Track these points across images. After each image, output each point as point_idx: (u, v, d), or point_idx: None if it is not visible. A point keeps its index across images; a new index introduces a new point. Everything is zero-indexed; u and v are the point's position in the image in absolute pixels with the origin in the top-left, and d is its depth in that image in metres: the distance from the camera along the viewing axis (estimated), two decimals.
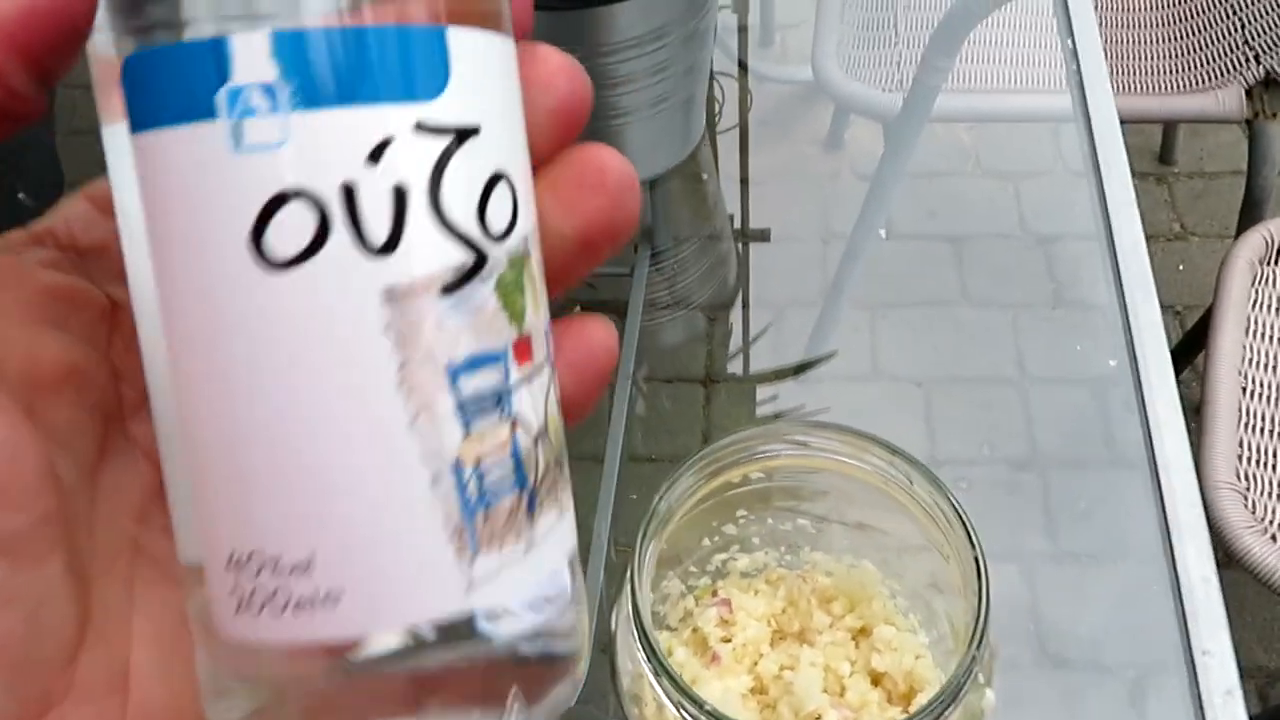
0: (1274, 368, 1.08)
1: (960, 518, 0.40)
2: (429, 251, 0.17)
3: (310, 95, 0.16)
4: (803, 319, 0.71)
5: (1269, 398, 1.06)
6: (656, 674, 0.37)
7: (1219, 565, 0.57)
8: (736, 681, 0.44)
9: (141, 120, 0.17)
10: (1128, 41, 1.38)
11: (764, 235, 0.72)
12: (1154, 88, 1.32)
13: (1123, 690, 0.55)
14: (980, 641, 0.37)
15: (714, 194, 0.75)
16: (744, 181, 0.74)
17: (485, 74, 0.19)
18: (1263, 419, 1.05)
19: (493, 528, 0.18)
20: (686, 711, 0.37)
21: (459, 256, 0.18)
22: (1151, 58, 1.36)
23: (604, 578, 0.57)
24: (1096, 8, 1.41)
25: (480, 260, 0.18)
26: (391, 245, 0.17)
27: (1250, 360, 1.08)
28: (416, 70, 0.17)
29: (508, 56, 0.20)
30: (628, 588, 0.39)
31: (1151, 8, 1.42)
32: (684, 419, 0.69)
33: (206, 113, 0.16)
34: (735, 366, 0.69)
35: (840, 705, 0.42)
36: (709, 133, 0.76)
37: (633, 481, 0.62)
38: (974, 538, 0.39)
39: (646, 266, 0.72)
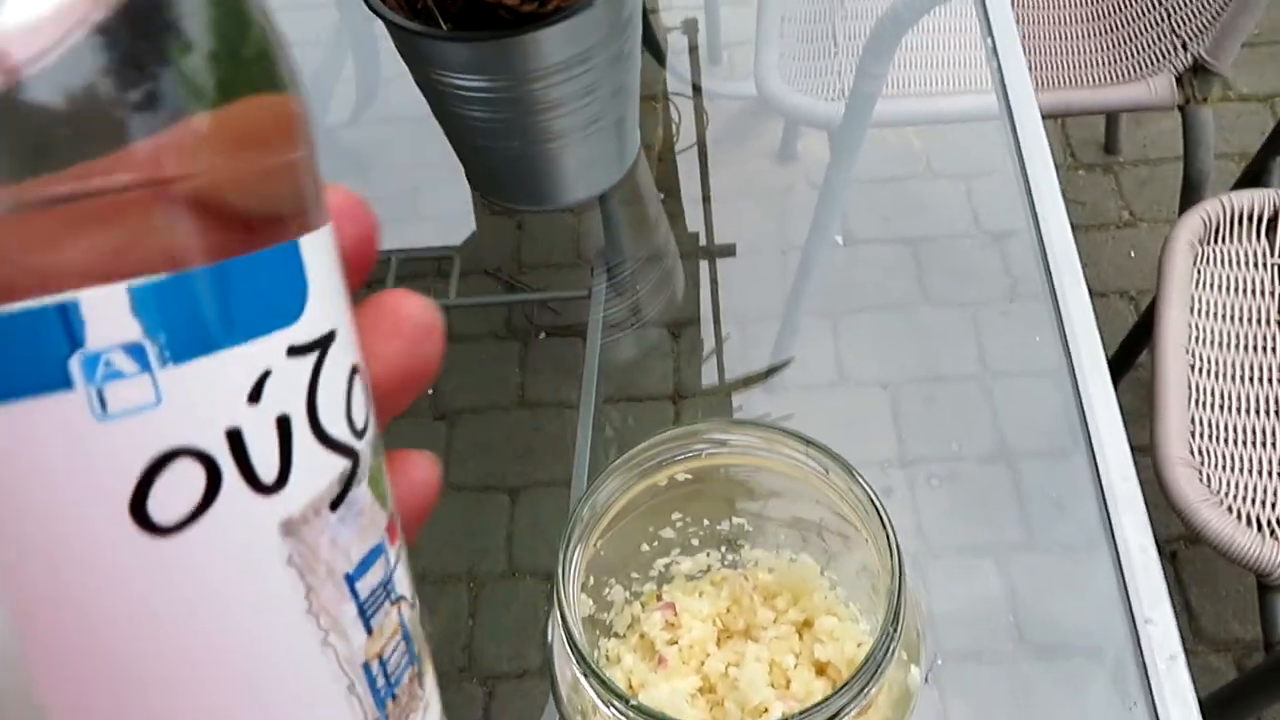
0: (1220, 344, 1.10)
1: (873, 501, 0.40)
2: (315, 473, 0.17)
3: (182, 347, 0.15)
4: (767, 330, 0.72)
5: (1217, 373, 1.08)
6: (585, 675, 0.37)
7: (1186, 542, 0.58)
8: (684, 682, 0.44)
9: None
10: (1060, 37, 1.41)
11: (730, 250, 0.73)
12: (1088, 80, 1.35)
13: (1104, 674, 0.56)
14: (896, 619, 0.37)
15: (656, 211, 0.76)
16: (706, 200, 0.75)
17: (330, 270, 0.18)
18: (1212, 394, 1.07)
19: (400, 708, 0.19)
20: (616, 709, 0.37)
21: (339, 467, 0.17)
22: (1084, 51, 1.39)
23: None
24: (1025, 4, 1.44)
25: (355, 463, 0.18)
26: (283, 479, 0.16)
27: (1196, 338, 1.10)
28: (282, 293, 0.16)
29: (332, 238, 0.19)
30: (554, 593, 0.40)
31: (1081, 3, 1.45)
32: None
33: (60, 383, 0.14)
34: (703, 381, 0.70)
35: (786, 697, 0.43)
36: (669, 153, 0.77)
37: None
38: (885, 520, 0.40)
39: (603, 286, 0.72)
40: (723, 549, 0.50)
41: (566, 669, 0.40)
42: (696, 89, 0.84)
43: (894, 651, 0.37)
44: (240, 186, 0.16)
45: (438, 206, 0.78)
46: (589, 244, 0.76)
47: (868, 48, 0.93)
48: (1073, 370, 0.64)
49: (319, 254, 0.17)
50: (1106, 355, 1.34)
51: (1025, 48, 1.38)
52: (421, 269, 0.75)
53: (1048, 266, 0.68)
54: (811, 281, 0.73)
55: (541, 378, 0.72)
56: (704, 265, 0.74)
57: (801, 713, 0.36)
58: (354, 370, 0.18)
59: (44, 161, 0.14)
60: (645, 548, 0.49)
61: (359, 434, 0.18)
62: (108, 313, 0.14)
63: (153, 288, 0.15)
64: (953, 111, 1.04)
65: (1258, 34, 1.83)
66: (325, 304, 0.17)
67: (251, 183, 0.16)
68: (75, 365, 0.14)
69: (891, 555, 0.39)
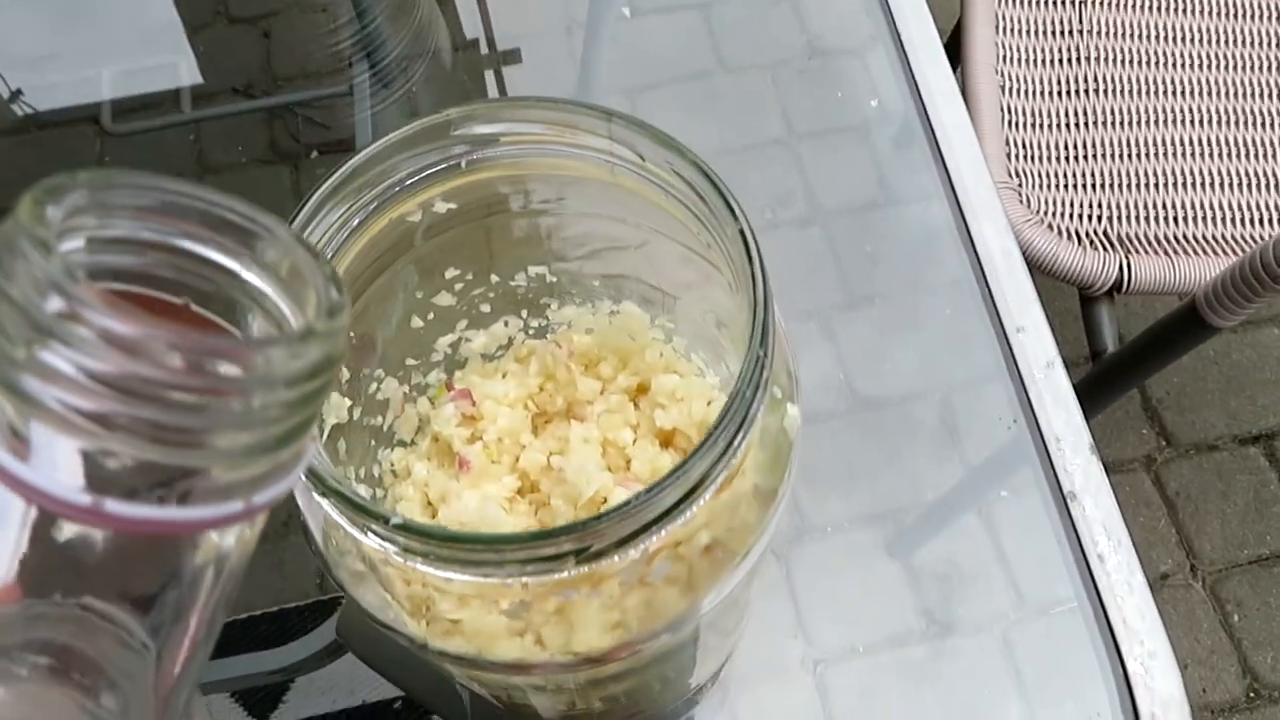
0: (1028, 61, 1.09)
1: (714, 184, 0.29)
2: None
3: None
4: None
5: (1027, 92, 1.08)
6: (325, 496, 0.26)
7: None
8: (496, 486, 0.35)
9: None
10: None
11: (515, 57, 0.66)
12: None
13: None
14: (764, 338, 0.27)
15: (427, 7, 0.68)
16: None
17: None
18: (1024, 114, 1.07)
19: None
20: (378, 534, 0.26)
21: None
22: None
23: None
24: None
25: None
26: None
27: (1004, 57, 1.09)
28: None
29: None
30: None
31: None
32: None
33: None
34: None
35: (628, 480, 0.35)
36: None
37: None
38: (734, 208, 0.29)
39: (365, 79, 0.65)
40: (523, 313, 0.40)
41: (310, 500, 0.30)
42: None
43: (764, 386, 0.27)
44: None
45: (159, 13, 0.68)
46: (347, 44, 0.68)
47: None
48: (902, 52, 0.60)
49: None
50: None
51: None
52: (149, 99, 0.65)
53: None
54: (600, 60, 0.68)
55: None
56: (486, 57, 0.67)
57: (649, 490, 0.25)
58: None
59: None
60: (418, 322, 0.38)
61: None
62: None
63: None
64: None
65: None
66: None
67: None
68: None
69: (748, 255, 0.28)
